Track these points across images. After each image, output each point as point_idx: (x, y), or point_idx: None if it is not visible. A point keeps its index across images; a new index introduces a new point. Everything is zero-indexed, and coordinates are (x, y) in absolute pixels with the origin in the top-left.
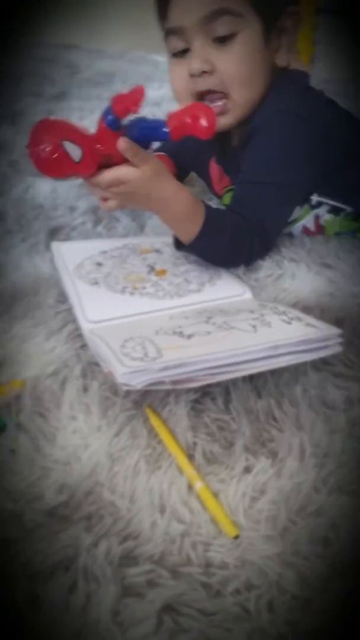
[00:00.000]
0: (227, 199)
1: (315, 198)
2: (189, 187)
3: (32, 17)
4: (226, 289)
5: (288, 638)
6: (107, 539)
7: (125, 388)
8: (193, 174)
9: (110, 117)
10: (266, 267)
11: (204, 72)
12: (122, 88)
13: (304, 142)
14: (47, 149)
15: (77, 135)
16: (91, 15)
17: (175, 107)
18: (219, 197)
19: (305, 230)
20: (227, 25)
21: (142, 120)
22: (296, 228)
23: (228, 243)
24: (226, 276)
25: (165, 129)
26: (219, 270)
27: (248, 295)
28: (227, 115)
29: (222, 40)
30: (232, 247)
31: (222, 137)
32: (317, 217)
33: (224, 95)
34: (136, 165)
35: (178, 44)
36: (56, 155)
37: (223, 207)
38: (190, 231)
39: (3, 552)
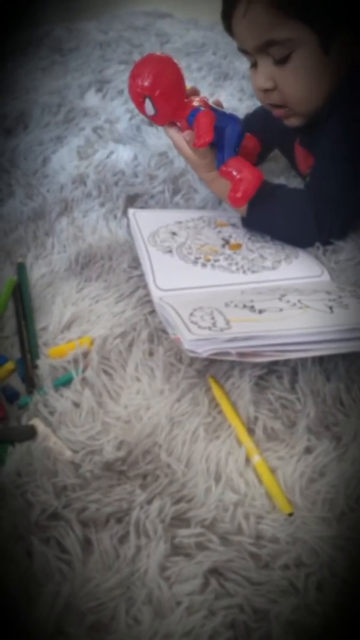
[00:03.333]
0: None
1: None
2: (273, 162)
3: None
4: (303, 269)
5: (333, 619)
6: (161, 498)
7: (191, 355)
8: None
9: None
10: (347, 250)
11: (267, 89)
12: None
13: None
14: (133, 95)
15: (160, 95)
16: None
17: None
18: (304, 175)
19: None
20: (278, 51)
21: (228, 126)
22: None
23: (285, 217)
24: (304, 255)
25: (230, 153)
26: (297, 249)
27: (326, 277)
28: (292, 119)
29: (280, 62)
30: (292, 221)
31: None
32: None
33: (287, 107)
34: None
35: (249, 58)
36: (139, 101)
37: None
38: (241, 208)
39: (60, 497)
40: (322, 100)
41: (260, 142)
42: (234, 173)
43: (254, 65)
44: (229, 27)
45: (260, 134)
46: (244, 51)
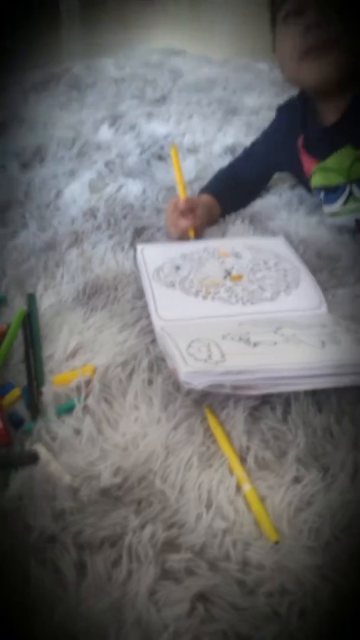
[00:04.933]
0: (318, 179)
1: None
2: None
3: (139, 25)
4: (301, 301)
5: None
6: (153, 523)
7: (187, 386)
8: None
9: None
10: (349, 285)
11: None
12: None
13: None
14: None
15: None
16: (199, 22)
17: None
18: (308, 179)
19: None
20: None
21: None
22: (348, 220)
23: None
24: (305, 285)
25: None
26: (299, 278)
27: (323, 309)
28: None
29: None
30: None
31: (309, 118)
32: None
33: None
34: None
35: (295, 4)
36: None
37: (316, 190)
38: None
39: (58, 520)
40: None
41: (264, 168)
42: None
43: (297, 13)
44: None
45: (261, 164)
46: None
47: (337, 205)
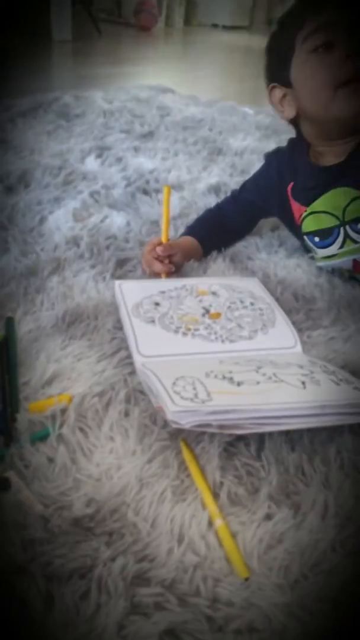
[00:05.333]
0: (308, 225)
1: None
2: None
3: (130, 61)
4: (277, 339)
5: None
6: (124, 556)
7: (174, 425)
8: None
9: None
10: (324, 327)
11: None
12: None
13: None
14: None
15: None
16: (188, 64)
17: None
18: (299, 225)
19: (357, 266)
20: None
21: None
22: (345, 262)
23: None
24: (280, 325)
25: None
26: (274, 317)
27: (298, 348)
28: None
29: None
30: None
31: (299, 166)
32: None
33: None
34: None
35: (323, 37)
36: None
37: (305, 236)
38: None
39: (27, 550)
40: None
41: (252, 213)
42: None
43: (325, 46)
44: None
45: (249, 208)
46: (331, 25)
47: (333, 249)
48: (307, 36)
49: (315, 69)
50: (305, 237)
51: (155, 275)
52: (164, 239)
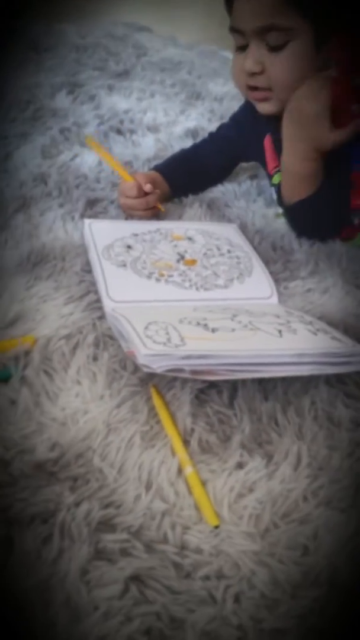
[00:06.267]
0: (277, 178)
1: None
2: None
3: None
4: (253, 289)
5: (249, 632)
6: (89, 502)
7: (145, 369)
8: None
9: None
10: (301, 278)
11: (254, 72)
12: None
13: None
14: None
15: None
16: (167, 3)
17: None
18: (271, 175)
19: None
20: (276, 37)
21: None
22: None
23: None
24: (257, 274)
25: None
26: (251, 266)
27: (274, 299)
28: (268, 104)
29: (274, 49)
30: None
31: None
32: None
33: (270, 90)
34: None
35: (239, 40)
36: None
37: (273, 187)
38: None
39: None
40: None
41: (229, 152)
42: None
43: (241, 48)
44: (230, 5)
45: (227, 145)
46: (237, 31)
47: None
48: None
49: None
50: (274, 190)
51: (145, 214)
52: (129, 178)
